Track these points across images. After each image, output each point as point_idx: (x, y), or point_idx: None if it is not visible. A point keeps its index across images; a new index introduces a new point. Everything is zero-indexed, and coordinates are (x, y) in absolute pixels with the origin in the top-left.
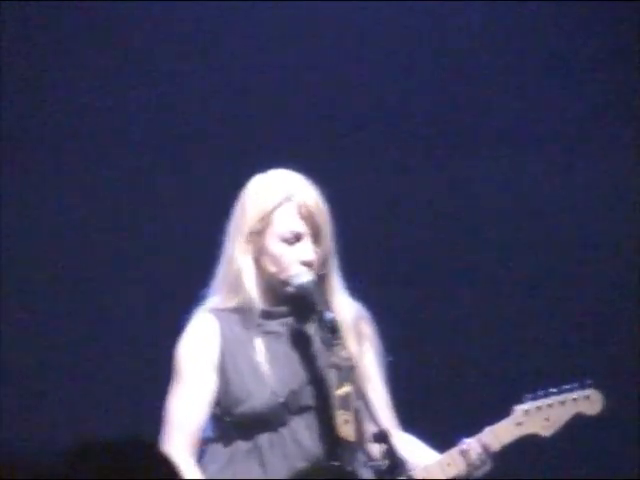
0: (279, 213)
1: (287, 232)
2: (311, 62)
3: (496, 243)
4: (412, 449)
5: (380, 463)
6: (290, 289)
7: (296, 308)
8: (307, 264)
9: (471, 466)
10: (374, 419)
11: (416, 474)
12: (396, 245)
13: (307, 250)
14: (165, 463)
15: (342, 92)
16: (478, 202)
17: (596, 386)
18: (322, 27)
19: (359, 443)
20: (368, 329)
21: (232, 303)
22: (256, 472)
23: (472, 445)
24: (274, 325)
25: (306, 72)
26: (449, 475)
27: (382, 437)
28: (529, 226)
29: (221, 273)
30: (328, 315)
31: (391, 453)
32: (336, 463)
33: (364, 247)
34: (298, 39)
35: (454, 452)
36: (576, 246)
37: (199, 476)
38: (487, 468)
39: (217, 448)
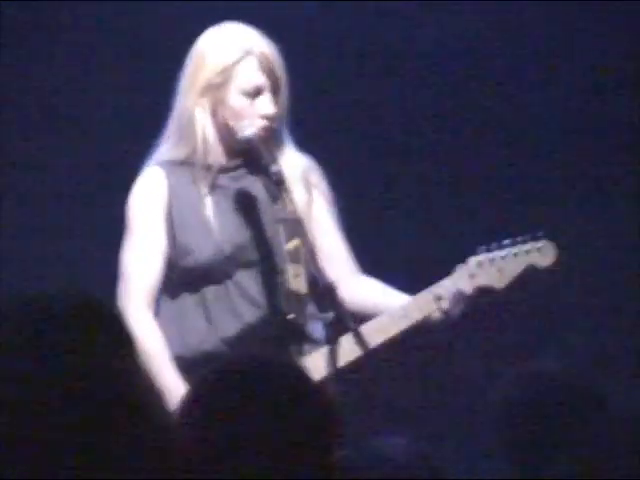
0: (241, 66)
1: (249, 85)
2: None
3: None
4: (374, 294)
5: (326, 315)
6: (238, 143)
7: (248, 162)
8: (268, 117)
9: (427, 316)
10: (320, 271)
11: (368, 326)
12: None
13: (268, 104)
14: (113, 321)
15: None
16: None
17: (549, 237)
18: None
19: (310, 296)
20: (317, 179)
21: (181, 155)
22: (203, 325)
23: (424, 296)
24: (223, 179)
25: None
26: (401, 327)
27: (327, 289)
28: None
29: (173, 124)
30: (274, 167)
31: (336, 305)
32: (286, 315)
33: None
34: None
35: (409, 304)
36: None
37: (158, 331)
38: (453, 314)
39: (163, 300)
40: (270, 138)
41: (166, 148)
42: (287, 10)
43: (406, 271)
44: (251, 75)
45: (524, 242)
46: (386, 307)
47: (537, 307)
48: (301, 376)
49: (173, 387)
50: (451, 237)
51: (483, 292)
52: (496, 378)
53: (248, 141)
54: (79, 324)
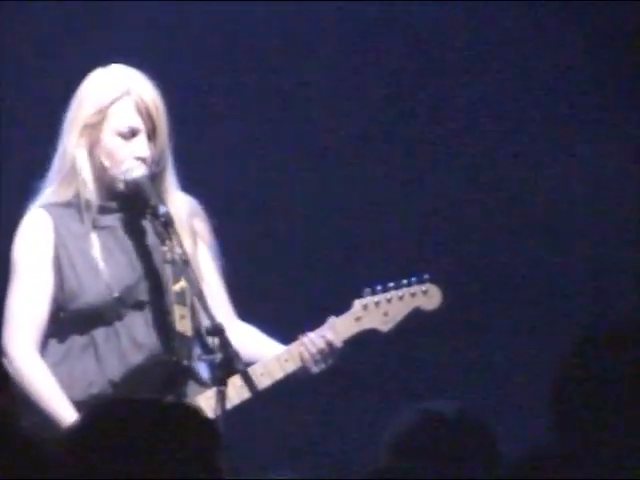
0: (116, 107)
1: (123, 126)
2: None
3: None
4: (253, 341)
5: (214, 357)
6: (122, 184)
7: (130, 203)
8: (142, 159)
9: (310, 361)
10: (209, 313)
11: (254, 370)
12: None
13: (142, 145)
14: None
15: None
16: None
17: (433, 280)
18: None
19: (195, 337)
20: (202, 224)
21: (66, 196)
22: (92, 367)
23: (312, 340)
24: (109, 219)
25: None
26: (287, 370)
27: (216, 331)
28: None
29: (55, 165)
30: (162, 209)
31: (225, 346)
32: (172, 357)
33: None
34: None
35: (293, 347)
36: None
37: (47, 371)
38: (328, 363)
39: (52, 344)
40: (154, 179)
41: (50, 190)
42: None
43: (286, 316)
44: (126, 116)
45: (409, 285)
46: (263, 354)
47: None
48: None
49: (67, 416)
50: (333, 281)
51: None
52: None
53: (134, 182)
54: None
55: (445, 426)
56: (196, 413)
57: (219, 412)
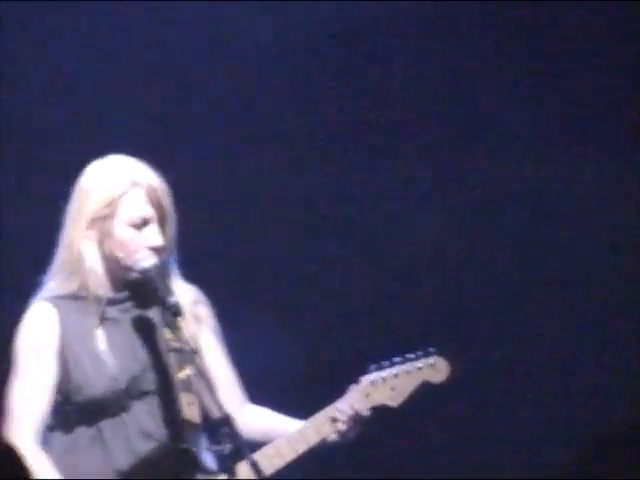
0: (128, 198)
1: (135, 217)
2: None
3: None
4: (265, 423)
5: (222, 447)
6: (134, 274)
7: (137, 293)
8: (155, 249)
9: (324, 439)
10: (217, 402)
11: (265, 451)
12: None
13: (155, 235)
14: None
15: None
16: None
17: (440, 353)
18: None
19: (202, 426)
20: (205, 311)
21: (70, 289)
22: (99, 459)
23: (319, 418)
24: (115, 311)
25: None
26: (299, 450)
27: (225, 421)
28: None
29: (60, 259)
30: (172, 300)
31: (234, 436)
32: (180, 445)
33: None
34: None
35: (305, 427)
36: None
37: (49, 463)
38: (354, 434)
39: (57, 435)
40: (163, 269)
41: (54, 283)
42: None
43: (297, 393)
44: (138, 207)
45: (416, 359)
46: (278, 434)
47: None
48: None
49: None
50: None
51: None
52: None
53: (144, 272)
54: None
55: None
56: None
57: None
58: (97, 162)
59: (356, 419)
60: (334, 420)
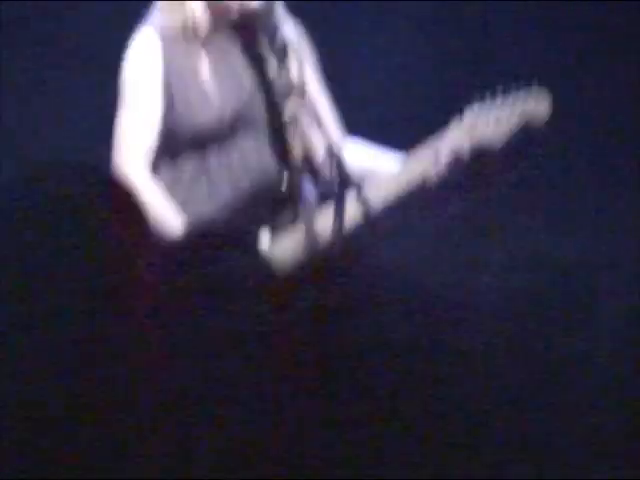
0: None
1: None
2: None
3: None
4: (366, 157)
5: (329, 179)
6: (237, 13)
7: (243, 29)
8: None
9: (431, 173)
10: (325, 134)
11: (368, 189)
12: None
13: None
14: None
15: None
16: None
17: (543, 85)
18: None
19: (309, 158)
20: (306, 45)
21: (174, 21)
22: (203, 191)
23: (437, 145)
24: (219, 42)
25: None
26: (403, 186)
27: (331, 151)
28: None
29: None
30: (279, 35)
31: (340, 167)
32: (283, 182)
33: None
34: None
35: (419, 154)
36: None
37: (157, 185)
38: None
39: (162, 172)
40: (271, 5)
41: (159, 13)
42: None
43: (397, 130)
44: None
45: (518, 90)
46: (379, 169)
47: None
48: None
49: (177, 223)
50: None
51: (480, 152)
52: None
53: (254, 12)
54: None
55: None
56: None
57: (339, 230)
58: None
59: (458, 151)
60: (437, 150)
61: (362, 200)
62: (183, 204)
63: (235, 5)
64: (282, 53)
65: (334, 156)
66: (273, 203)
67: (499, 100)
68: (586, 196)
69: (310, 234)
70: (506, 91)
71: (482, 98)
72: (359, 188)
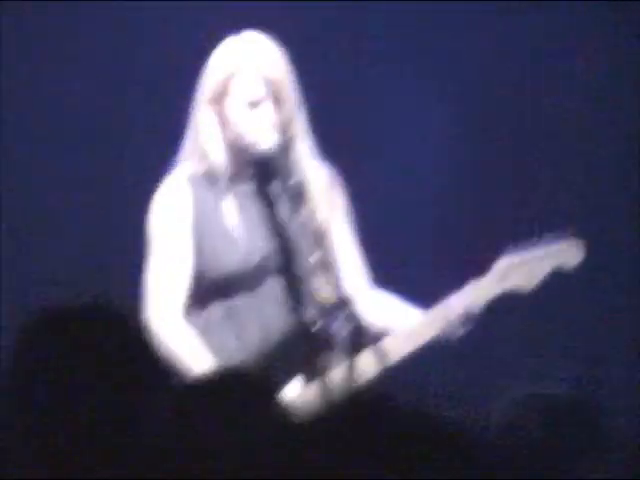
0: (237, 79)
1: (248, 96)
2: None
3: None
4: (386, 310)
5: (342, 330)
6: (253, 154)
7: (263, 172)
8: (270, 127)
9: (450, 328)
10: (339, 285)
11: (385, 342)
12: None
13: (266, 114)
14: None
15: None
16: None
17: (577, 235)
18: None
19: (335, 305)
20: (338, 192)
21: (201, 167)
22: (232, 336)
23: (453, 304)
24: (244, 189)
25: None
26: (425, 337)
27: (343, 303)
28: None
29: (189, 140)
30: (293, 179)
31: (351, 320)
32: (312, 327)
33: None
34: None
35: (433, 314)
36: None
37: (198, 338)
38: (466, 329)
39: (190, 316)
40: (287, 147)
41: (185, 162)
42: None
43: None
44: (249, 86)
45: (551, 241)
46: (398, 323)
47: None
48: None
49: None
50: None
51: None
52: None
53: (264, 154)
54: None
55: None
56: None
57: (350, 385)
58: (228, 39)
59: (468, 318)
60: (443, 314)
61: (378, 353)
62: (212, 349)
63: (249, 145)
64: (297, 196)
65: (346, 307)
66: (306, 348)
67: (533, 250)
68: None
69: (334, 382)
70: (540, 239)
71: (514, 249)
72: (375, 340)
